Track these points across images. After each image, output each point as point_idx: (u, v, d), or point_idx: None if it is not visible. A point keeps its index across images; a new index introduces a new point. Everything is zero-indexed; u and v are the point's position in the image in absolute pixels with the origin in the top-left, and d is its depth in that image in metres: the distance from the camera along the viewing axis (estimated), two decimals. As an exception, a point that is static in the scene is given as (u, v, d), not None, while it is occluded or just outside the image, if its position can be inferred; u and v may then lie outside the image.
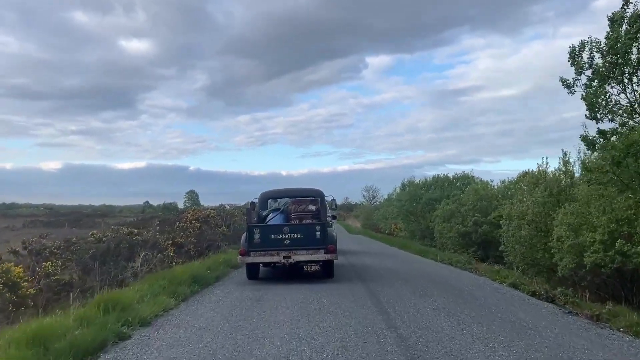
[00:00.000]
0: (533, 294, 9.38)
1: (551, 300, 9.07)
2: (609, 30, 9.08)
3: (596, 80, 9.33)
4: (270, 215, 11.74)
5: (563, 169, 14.17)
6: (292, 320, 6.61)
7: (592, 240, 9.76)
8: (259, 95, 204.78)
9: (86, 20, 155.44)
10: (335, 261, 10.62)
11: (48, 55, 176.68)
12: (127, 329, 6.06)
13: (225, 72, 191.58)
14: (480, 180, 27.09)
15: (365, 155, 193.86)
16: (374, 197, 68.84)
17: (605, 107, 9.22)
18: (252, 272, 10.78)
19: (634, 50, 8.75)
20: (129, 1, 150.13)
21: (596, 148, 9.57)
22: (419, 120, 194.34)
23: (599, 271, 10.23)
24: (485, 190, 22.79)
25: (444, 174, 30.09)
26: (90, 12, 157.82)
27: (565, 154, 14.29)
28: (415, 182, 32.23)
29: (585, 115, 9.54)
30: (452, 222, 22.49)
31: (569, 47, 9.48)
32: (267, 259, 10.35)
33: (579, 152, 13.61)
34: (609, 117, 9.30)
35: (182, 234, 15.82)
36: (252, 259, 10.33)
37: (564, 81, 9.70)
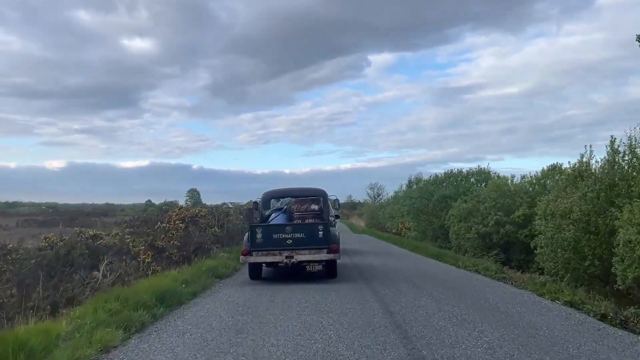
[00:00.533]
0: (603, 318, 7.14)
1: (624, 326, 6.88)
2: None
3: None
4: (273, 215, 11.67)
5: (611, 159, 11.89)
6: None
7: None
8: (261, 94, 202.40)
9: (89, 19, 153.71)
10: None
11: (51, 54, 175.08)
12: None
13: (227, 71, 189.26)
14: (498, 176, 24.78)
15: (367, 154, 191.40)
16: (378, 195, 66.54)
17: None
18: (255, 272, 10.63)
19: None
20: (131, 0, 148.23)
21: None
22: (421, 118, 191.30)
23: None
24: (508, 186, 20.49)
25: (456, 169, 27.76)
26: (92, 11, 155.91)
27: (612, 141, 12.01)
28: (426, 178, 29.94)
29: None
30: (470, 222, 20.20)
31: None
32: (270, 259, 10.24)
33: (630, 139, 11.38)
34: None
35: (163, 236, 13.59)
36: (255, 258, 10.22)
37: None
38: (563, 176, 18.33)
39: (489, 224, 19.24)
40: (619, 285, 9.51)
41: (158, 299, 7.48)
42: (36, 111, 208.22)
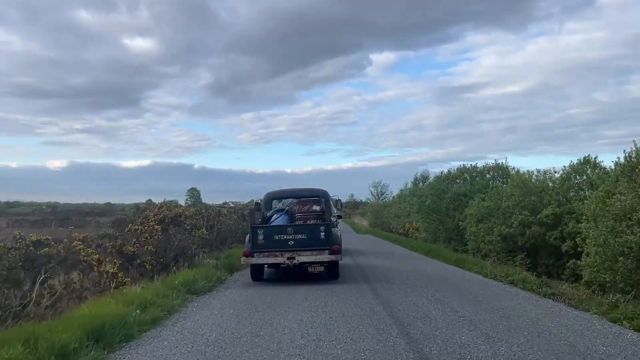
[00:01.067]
0: None
1: None
2: None
3: None
4: (275, 216, 11.67)
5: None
6: None
7: None
8: (262, 93, 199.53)
9: (90, 19, 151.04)
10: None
11: (52, 53, 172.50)
12: None
13: (229, 70, 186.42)
14: (517, 171, 22.49)
15: (369, 153, 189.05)
16: (382, 194, 64.23)
17: None
18: (257, 273, 10.58)
19: None
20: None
21: None
22: (423, 117, 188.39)
23: None
24: (533, 182, 18.19)
25: (470, 164, 25.45)
26: (93, 11, 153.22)
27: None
28: (436, 174, 27.67)
29: None
30: (491, 222, 17.93)
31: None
32: (271, 260, 10.22)
33: None
34: None
35: (134, 240, 11.40)
36: (256, 260, 10.15)
37: None
38: (596, 170, 16.19)
39: (513, 225, 16.96)
40: None
41: (94, 336, 5.30)
42: (38, 111, 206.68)
